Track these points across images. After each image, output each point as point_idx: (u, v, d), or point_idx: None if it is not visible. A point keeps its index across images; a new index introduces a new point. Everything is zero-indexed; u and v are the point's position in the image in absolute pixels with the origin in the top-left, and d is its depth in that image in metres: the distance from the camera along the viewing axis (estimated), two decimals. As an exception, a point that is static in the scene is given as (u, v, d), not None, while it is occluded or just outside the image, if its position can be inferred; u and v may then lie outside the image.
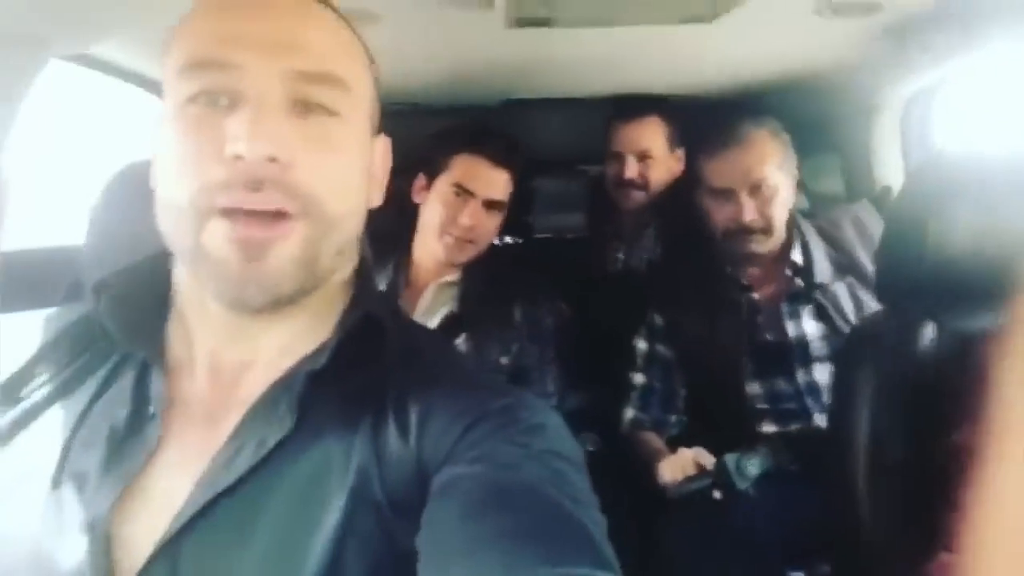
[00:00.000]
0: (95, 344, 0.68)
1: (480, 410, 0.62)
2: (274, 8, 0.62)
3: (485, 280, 1.61)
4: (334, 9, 0.67)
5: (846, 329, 1.57)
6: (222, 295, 0.61)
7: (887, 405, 1.11)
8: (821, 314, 1.61)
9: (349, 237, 0.67)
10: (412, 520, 0.57)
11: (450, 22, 1.35)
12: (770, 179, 1.59)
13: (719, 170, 1.61)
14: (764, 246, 1.63)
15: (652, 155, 1.92)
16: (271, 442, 0.59)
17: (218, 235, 0.58)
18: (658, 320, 1.75)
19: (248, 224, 0.58)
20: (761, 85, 1.91)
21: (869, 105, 1.89)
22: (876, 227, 1.65)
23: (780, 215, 1.62)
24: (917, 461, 1.04)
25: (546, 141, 2.13)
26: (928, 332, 1.12)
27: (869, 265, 1.61)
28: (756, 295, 1.67)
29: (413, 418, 0.62)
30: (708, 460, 1.43)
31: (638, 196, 1.95)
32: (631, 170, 1.92)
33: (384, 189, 0.74)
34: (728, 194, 1.61)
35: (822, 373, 1.58)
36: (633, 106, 1.93)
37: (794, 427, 1.57)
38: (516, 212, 1.67)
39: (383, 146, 0.74)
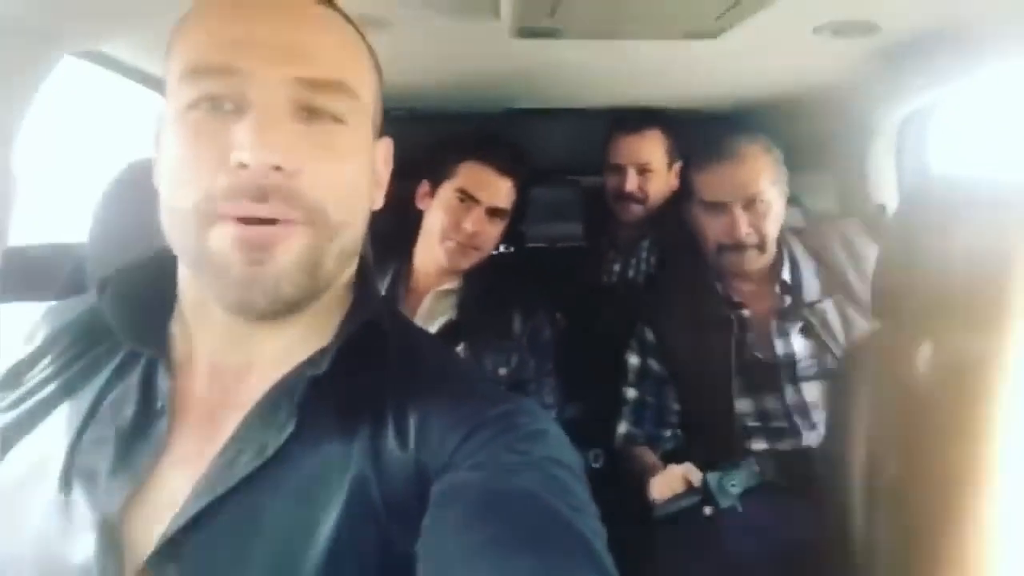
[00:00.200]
0: (99, 342, 0.68)
1: (479, 417, 0.62)
2: (279, 12, 0.61)
3: (484, 288, 1.62)
4: (339, 11, 0.67)
5: (834, 347, 1.57)
6: (225, 299, 0.61)
7: (882, 424, 1.12)
8: (809, 332, 1.61)
9: (353, 242, 0.67)
10: (410, 526, 0.57)
11: (455, 31, 1.36)
12: (764, 194, 1.60)
13: (713, 184, 1.61)
14: (756, 263, 1.64)
15: (652, 168, 1.93)
16: (271, 448, 0.59)
17: (222, 240, 0.58)
18: (649, 335, 1.75)
19: (252, 230, 0.58)
20: (759, 102, 1.93)
21: (865, 125, 1.91)
22: (864, 245, 1.66)
23: (773, 231, 1.63)
24: (910, 480, 1.05)
25: (540, 151, 2.14)
26: (924, 352, 1.13)
27: (857, 282, 1.62)
28: (746, 312, 1.67)
29: (412, 424, 0.62)
30: (696, 477, 1.43)
31: (636, 209, 1.97)
32: (631, 182, 1.93)
33: (385, 191, 0.74)
34: (722, 208, 1.61)
35: (811, 391, 1.58)
36: (635, 119, 1.95)
37: (783, 445, 1.57)
38: (510, 221, 1.68)
39: (385, 148, 0.74)
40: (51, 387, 0.65)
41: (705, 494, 1.39)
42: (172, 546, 0.56)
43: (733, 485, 1.37)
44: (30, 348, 0.68)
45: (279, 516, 0.58)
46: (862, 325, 1.57)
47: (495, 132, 1.67)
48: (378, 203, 0.72)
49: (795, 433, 1.57)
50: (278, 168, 0.57)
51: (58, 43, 1.03)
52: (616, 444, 1.72)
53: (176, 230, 0.61)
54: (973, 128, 1.82)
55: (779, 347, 1.62)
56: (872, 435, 1.12)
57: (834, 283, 1.66)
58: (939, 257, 1.03)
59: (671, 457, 1.60)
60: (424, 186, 1.66)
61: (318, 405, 0.62)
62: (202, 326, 0.66)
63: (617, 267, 2.07)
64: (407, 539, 0.56)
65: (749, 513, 1.39)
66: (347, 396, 0.64)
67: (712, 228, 1.64)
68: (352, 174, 0.64)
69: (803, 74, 1.69)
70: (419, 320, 1.59)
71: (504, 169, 1.59)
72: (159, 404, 0.63)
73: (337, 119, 0.62)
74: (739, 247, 1.61)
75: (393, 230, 1.44)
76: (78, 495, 0.59)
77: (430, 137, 1.66)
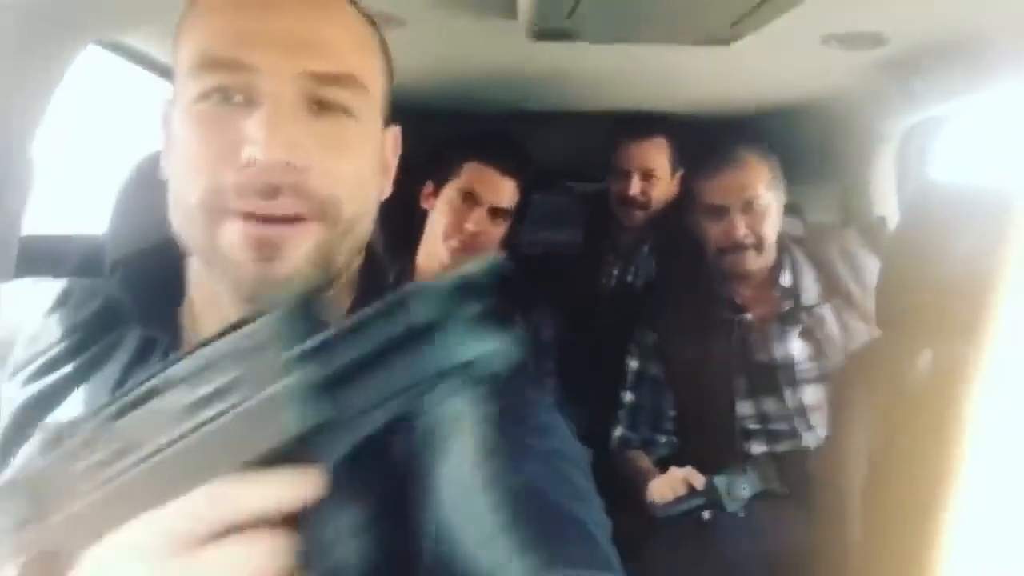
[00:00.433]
0: (116, 325, 0.67)
1: None
2: (289, 4, 0.60)
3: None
4: (347, 1, 0.65)
5: (832, 351, 1.61)
6: (235, 292, 0.60)
7: (882, 430, 1.13)
8: (808, 336, 1.65)
9: (364, 234, 0.66)
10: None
11: (470, 31, 1.37)
12: (761, 198, 1.65)
13: (713, 188, 1.67)
14: (755, 264, 1.68)
15: (656, 175, 1.95)
16: None
17: (232, 237, 0.57)
18: (650, 338, 1.77)
19: (264, 226, 0.57)
20: (765, 109, 1.95)
21: (869, 137, 1.93)
22: (864, 256, 1.70)
23: (770, 233, 1.67)
24: (908, 485, 1.06)
25: (540, 156, 2.15)
26: (926, 359, 1.15)
27: (856, 291, 1.66)
28: (747, 316, 1.70)
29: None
30: (698, 480, 1.44)
31: (639, 214, 1.98)
32: (635, 188, 1.95)
33: (392, 180, 0.72)
34: (721, 211, 1.66)
35: (810, 394, 1.61)
36: (641, 125, 1.97)
37: (783, 447, 1.59)
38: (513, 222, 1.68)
39: (394, 137, 0.72)
40: (72, 364, 0.64)
41: (712, 498, 1.39)
42: None
43: (744, 489, 1.38)
44: (47, 321, 0.67)
45: None
46: (861, 332, 1.59)
47: (499, 132, 1.68)
48: (386, 192, 0.71)
49: (794, 435, 1.59)
50: (289, 164, 0.56)
51: (83, 31, 1.03)
52: (611, 447, 1.73)
53: (184, 224, 0.60)
54: (977, 141, 1.85)
55: (778, 350, 1.65)
56: (871, 442, 1.13)
57: (833, 290, 1.69)
58: (941, 267, 1.05)
59: (665, 463, 1.61)
60: (428, 186, 1.66)
61: None
62: (212, 314, 0.65)
63: (616, 272, 2.09)
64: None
65: (746, 517, 1.40)
66: None
67: (712, 231, 1.69)
68: (363, 167, 0.63)
69: (809, 83, 1.72)
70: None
71: (508, 169, 1.60)
72: None
73: (347, 112, 0.61)
74: (737, 248, 1.65)
75: (398, 230, 1.43)
76: None
77: (436, 137, 1.66)
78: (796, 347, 1.64)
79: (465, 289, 0.42)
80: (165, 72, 1.45)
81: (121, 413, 0.47)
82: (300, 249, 0.58)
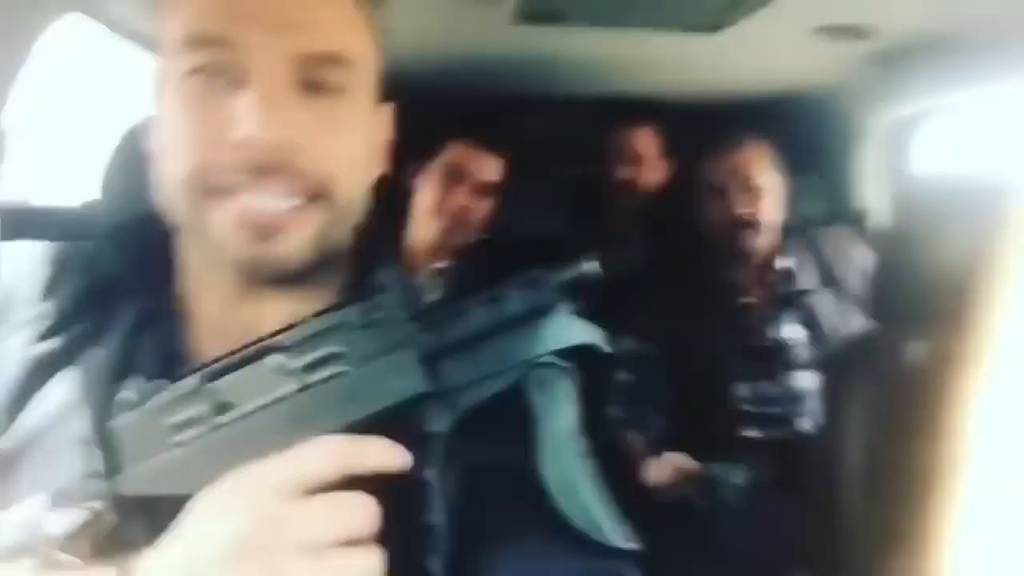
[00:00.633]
0: (115, 293, 0.66)
1: None
2: None
3: (473, 268, 1.63)
4: None
5: (827, 335, 1.63)
6: (231, 272, 0.60)
7: (876, 420, 1.14)
8: (804, 320, 1.68)
9: (359, 213, 0.66)
10: None
11: (455, 12, 1.35)
12: (760, 178, 1.68)
13: (714, 169, 1.70)
14: (755, 243, 1.70)
15: (646, 160, 1.95)
16: None
17: (223, 217, 0.57)
18: (648, 320, 1.78)
19: (256, 212, 0.57)
20: (753, 99, 1.95)
21: (854, 129, 1.94)
22: (856, 248, 1.74)
23: (771, 213, 1.70)
24: (900, 473, 1.07)
25: (527, 142, 2.14)
26: (918, 350, 1.15)
27: (849, 281, 1.69)
28: (745, 299, 1.72)
29: None
30: (693, 467, 1.46)
31: (629, 200, 1.98)
32: (625, 173, 1.95)
33: (385, 156, 0.72)
34: (722, 190, 1.69)
35: (805, 379, 1.63)
36: (631, 111, 1.97)
37: (777, 432, 1.61)
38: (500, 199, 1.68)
39: (386, 114, 0.72)
40: (75, 330, 0.64)
41: (707, 487, 1.39)
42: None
43: (738, 478, 1.38)
44: (48, 284, 0.66)
45: None
46: (855, 321, 1.60)
47: (481, 109, 1.67)
48: (379, 169, 0.71)
49: (789, 421, 1.62)
50: (282, 145, 0.56)
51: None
52: (607, 429, 1.74)
53: (172, 199, 0.60)
54: (964, 135, 1.85)
55: (775, 334, 1.68)
56: (864, 432, 1.14)
57: (827, 277, 1.73)
58: (932, 259, 1.05)
59: (661, 445, 1.62)
60: (413, 166, 1.66)
61: None
62: (205, 286, 0.65)
63: (605, 258, 2.08)
64: None
65: (739, 504, 1.41)
66: None
67: (713, 211, 1.71)
68: (356, 146, 0.63)
69: (798, 74, 1.72)
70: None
71: (490, 144, 1.60)
72: (178, 356, 0.62)
73: (339, 91, 0.60)
74: (738, 226, 1.68)
75: (386, 209, 1.42)
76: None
77: (419, 119, 1.65)
78: (792, 331, 1.67)
79: (572, 284, 0.48)
80: (137, 37, 1.42)
81: (215, 376, 0.51)
82: (297, 232, 0.58)
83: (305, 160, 0.57)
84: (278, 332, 0.52)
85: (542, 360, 0.48)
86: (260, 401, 0.50)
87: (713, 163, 1.71)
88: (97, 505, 0.50)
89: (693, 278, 1.78)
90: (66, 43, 1.19)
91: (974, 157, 1.83)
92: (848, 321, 1.63)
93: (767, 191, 1.69)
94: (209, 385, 0.51)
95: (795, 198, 2.10)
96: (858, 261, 1.70)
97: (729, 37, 1.30)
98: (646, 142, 1.95)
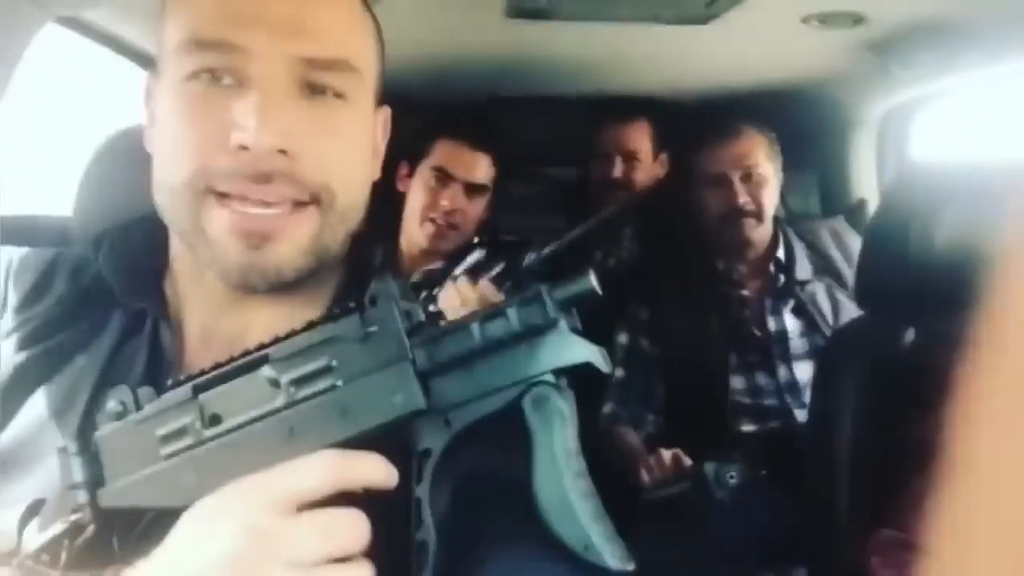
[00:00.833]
0: (103, 298, 0.66)
1: None
2: None
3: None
4: None
5: (824, 326, 1.63)
6: (220, 276, 0.60)
7: (867, 408, 1.13)
8: (801, 311, 1.67)
9: (357, 219, 0.66)
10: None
11: (444, 9, 1.34)
12: (761, 167, 1.68)
13: (714, 159, 1.70)
14: (754, 233, 1.70)
15: (638, 157, 1.94)
16: None
17: (220, 223, 0.57)
18: (643, 314, 1.77)
19: (252, 217, 0.57)
20: (745, 90, 1.94)
21: (849, 119, 1.93)
22: (851, 238, 1.73)
23: (769, 203, 1.70)
24: (894, 462, 1.06)
25: (518, 142, 2.13)
26: (908, 336, 1.15)
27: (845, 269, 1.69)
28: (742, 291, 1.72)
29: None
30: (688, 463, 1.44)
31: (621, 197, 1.97)
32: (617, 170, 1.94)
33: (382, 160, 0.72)
34: (722, 180, 1.69)
35: (802, 370, 1.63)
36: (623, 107, 1.95)
37: (773, 424, 1.60)
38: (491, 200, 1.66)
39: (384, 118, 0.72)
40: (65, 334, 0.64)
41: (700, 484, 1.38)
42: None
43: (731, 477, 1.37)
44: (39, 289, 0.66)
45: None
46: (851, 311, 1.59)
47: (469, 108, 1.66)
48: (377, 173, 0.71)
49: (786, 413, 1.61)
50: (281, 151, 0.56)
51: (42, 8, 1.00)
52: (601, 424, 1.73)
53: (169, 204, 0.60)
54: (958, 122, 1.85)
55: (772, 325, 1.67)
56: (857, 418, 1.13)
57: (823, 267, 1.73)
58: (922, 246, 1.04)
59: (653, 441, 1.61)
60: (403, 168, 1.65)
61: None
62: (195, 293, 0.65)
63: (598, 255, 2.07)
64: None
65: (735, 497, 1.40)
66: None
67: (713, 201, 1.71)
68: (355, 152, 0.63)
69: (789, 64, 1.71)
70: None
71: (479, 144, 1.59)
72: (166, 362, 0.62)
73: (340, 96, 0.60)
74: (738, 215, 1.68)
75: (378, 214, 1.42)
76: None
77: (408, 119, 1.64)
78: (789, 322, 1.67)
79: (570, 300, 0.48)
80: (125, 50, 1.42)
81: (205, 387, 0.51)
82: (293, 240, 0.58)
83: (304, 166, 0.58)
84: (270, 344, 0.51)
85: (540, 379, 0.47)
86: (251, 414, 0.49)
87: (712, 153, 1.70)
88: (77, 516, 0.49)
89: (688, 271, 1.77)
90: (50, 53, 1.19)
91: (969, 143, 1.83)
92: (844, 312, 1.63)
93: (767, 180, 1.69)
94: (199, 396, 0.51)
95: (791, 188, 2.11)
96: (854, 251, 1.67)
97: (719, 28, 1.29)
98: (639, 138, 1.94)
